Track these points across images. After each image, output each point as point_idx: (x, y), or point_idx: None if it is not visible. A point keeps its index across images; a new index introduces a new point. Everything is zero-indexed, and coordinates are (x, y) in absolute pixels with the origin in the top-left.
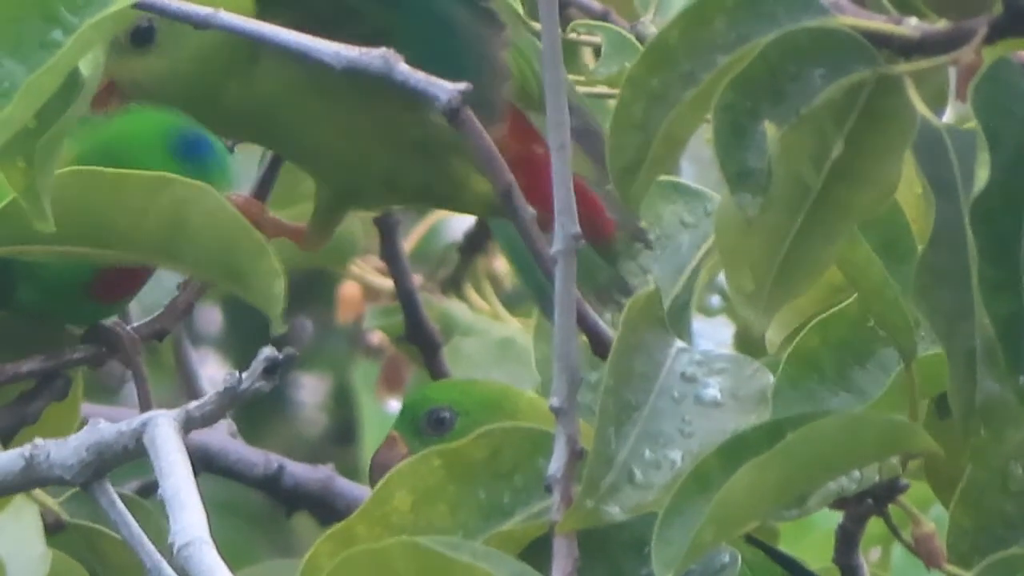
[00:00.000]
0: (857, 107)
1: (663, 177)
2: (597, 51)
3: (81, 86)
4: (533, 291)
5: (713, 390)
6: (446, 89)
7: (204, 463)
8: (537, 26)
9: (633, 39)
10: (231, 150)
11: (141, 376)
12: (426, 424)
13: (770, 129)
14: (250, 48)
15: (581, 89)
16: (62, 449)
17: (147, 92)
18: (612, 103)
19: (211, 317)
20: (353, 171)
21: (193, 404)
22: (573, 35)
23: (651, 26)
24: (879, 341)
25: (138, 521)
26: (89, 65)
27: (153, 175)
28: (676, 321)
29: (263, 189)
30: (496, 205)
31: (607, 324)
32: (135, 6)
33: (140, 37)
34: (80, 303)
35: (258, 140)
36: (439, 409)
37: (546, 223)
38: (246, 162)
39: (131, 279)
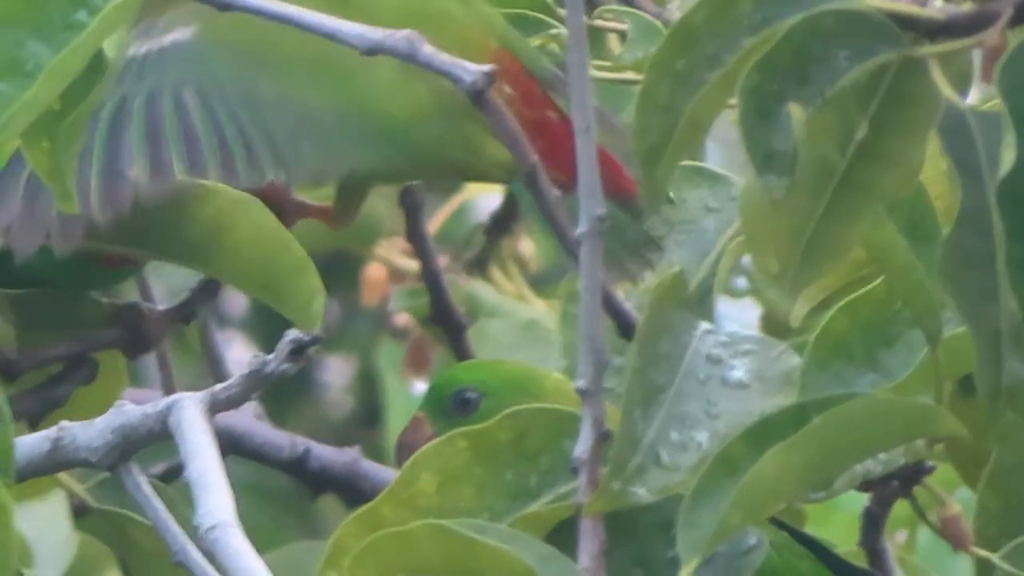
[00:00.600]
0: (882, 89)
1: (687, 162)
2: (623, 37)
3: (105, 67)
4: (565, 251)
5: (739, 372)
6: (470, 71)
7: (230, 446)
8: (562, 12)
9: (659, 25)
10: None
11: (165, 359)
12: (452, 405)
13: (795, 111)
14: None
15: (607, 75)
16: (88, 432)
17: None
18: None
19: (237, 299)
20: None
21: (219, 386)
22: (599, 21)
23: (677, 12)
24: (906, 322)
25: (164, 504)
26: (113, 46)
27: (200, 184)
28: (700, 306)
29: None
30: (514, 169)
31: (637, 285)
32: None
33: None
34: (87, 267)
35: None
36: (465, 389)
37: (565, 188)
38: None
39: None
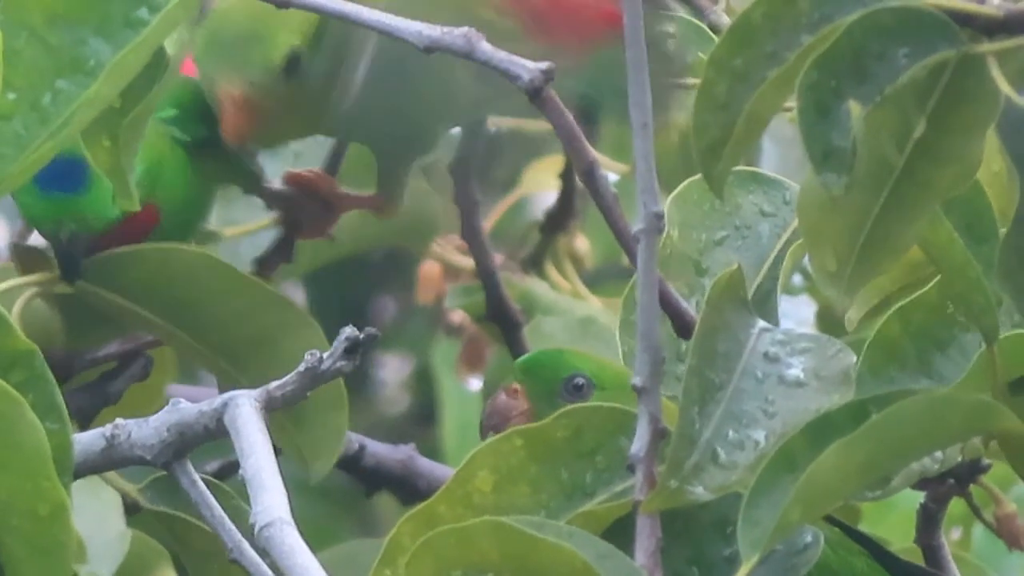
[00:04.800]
0: (940, 86)
1: (741, 167)
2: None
3: (166, 65)
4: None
5: (796, 370)
6: (528, 68)
7: None
8: None
9: (706, 28)
10: None
11: None
12: (564, 388)
13: (854, 108)
14: None
15: None
16: (143, 429)
17: (281, 119)
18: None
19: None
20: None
21: (274, 384)
22: None
23: (723, 15)
24: (959, 327)
25: (219, 501)
26: (174, 44)
27: (261, 286)
28: (761, 310)
29: (333, 165)
30: None
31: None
32: None
33: (294, 69)
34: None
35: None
36: (579, 376)
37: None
38: (312, 140)
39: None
